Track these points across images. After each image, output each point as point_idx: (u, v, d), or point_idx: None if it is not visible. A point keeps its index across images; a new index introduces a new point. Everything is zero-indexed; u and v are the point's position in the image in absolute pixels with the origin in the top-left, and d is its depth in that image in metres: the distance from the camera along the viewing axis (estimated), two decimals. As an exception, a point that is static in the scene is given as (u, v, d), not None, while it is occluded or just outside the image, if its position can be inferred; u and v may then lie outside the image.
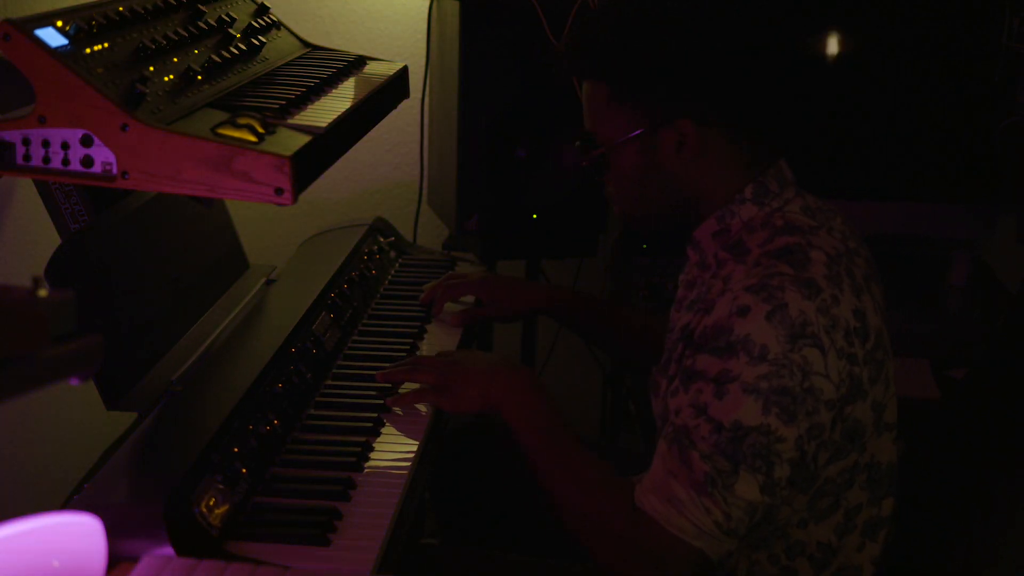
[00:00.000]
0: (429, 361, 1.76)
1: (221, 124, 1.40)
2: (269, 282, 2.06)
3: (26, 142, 1.37)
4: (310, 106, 1.63)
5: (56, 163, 1.37)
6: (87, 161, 1.36)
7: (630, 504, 1.46)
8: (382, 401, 1.72)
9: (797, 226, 1.50)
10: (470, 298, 2.08)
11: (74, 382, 0.88)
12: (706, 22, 1.53)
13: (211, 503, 1.37)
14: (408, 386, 1.75)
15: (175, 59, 1.55)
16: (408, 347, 1.93)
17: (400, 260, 2.34)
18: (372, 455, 1.59)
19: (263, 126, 1.40)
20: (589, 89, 1.59)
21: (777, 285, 1.41)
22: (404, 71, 2.00)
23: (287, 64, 1.83)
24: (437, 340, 1.98)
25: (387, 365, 1.84)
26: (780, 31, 1.61)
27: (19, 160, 1.38)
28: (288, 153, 1.36)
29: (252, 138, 1.38)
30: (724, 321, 1.42)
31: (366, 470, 1.55)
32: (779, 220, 1.52)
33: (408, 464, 1.58)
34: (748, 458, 1.39)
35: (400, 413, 1.71)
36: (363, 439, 1.61)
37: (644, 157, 1.55)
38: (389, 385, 1.74)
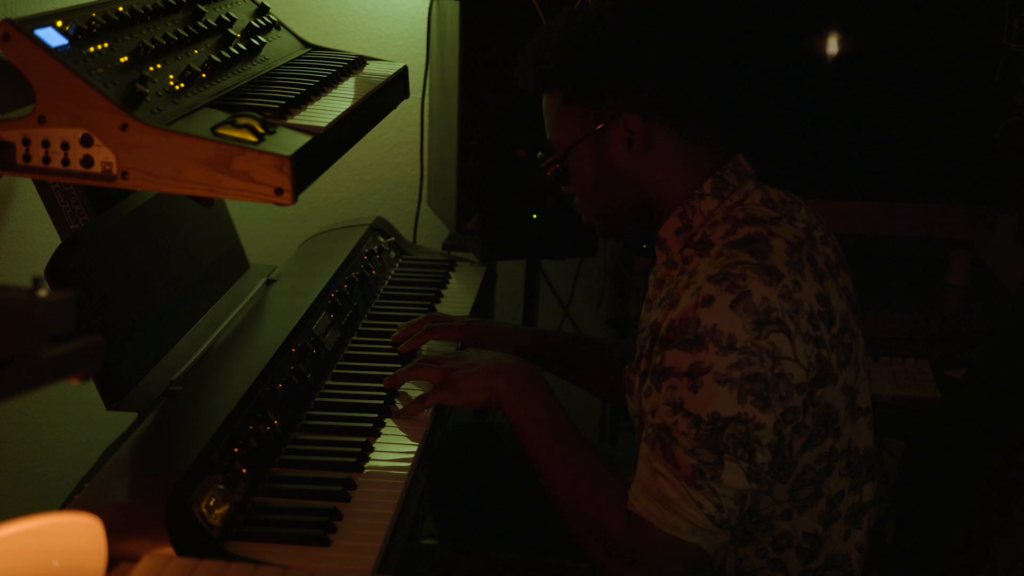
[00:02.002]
0: (433, 359, 1.76)
1: (221, 124, 1.40)
2: (269, 282, 2.06)
3: (26, 142, 1.37)
4: (310, 106, 1.63)
5: (56, 163, 1.37)
6: (87, 161, 1.36)
7: (625, 508, 1.47)
8: (382, 401, 1.72)
9: (758, 217, 1.52)
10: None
11: (74, 382, 0.88)
12: (643, 17, 1.57)
13: (211, 503, 1.37)
14: (411, 389, 1.74)
15: (175, 59, 1.55)
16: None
17: (400, 260, 2.34)
18: (372, 455, 1.59)
19: (263, 126, 1.40)
20: (546, 101, 1.65)
21: (739, 273, 1.43)
22: (404, 71, 2.00)
23: (287, 64, 1.83)
24: (437, 341, 1.98)
25: (387, 365, 1.84)
26: (720, 23, 1.64)
27: (19, 160, 1.38)
28: (288, 153, 1.36)
29: (252, 138, 1.38)
30: (690, 313, 1.43)
31: (366, 470, 1.55)
32: (740, 212, 1.54)
33: (408, 464, 1.58)
34: (730, 448, 1.41)
35: (393, 409, 1.71)
36: (363, 439, 1.61)
37: (597, 157, 1.59)
38: (395, 389, 1.75)
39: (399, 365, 1.84)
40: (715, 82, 1.58)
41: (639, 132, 1.56)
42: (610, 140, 1.58)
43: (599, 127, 1.58)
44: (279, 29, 1.93)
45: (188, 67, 1.54)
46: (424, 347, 1.93)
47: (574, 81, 1.59)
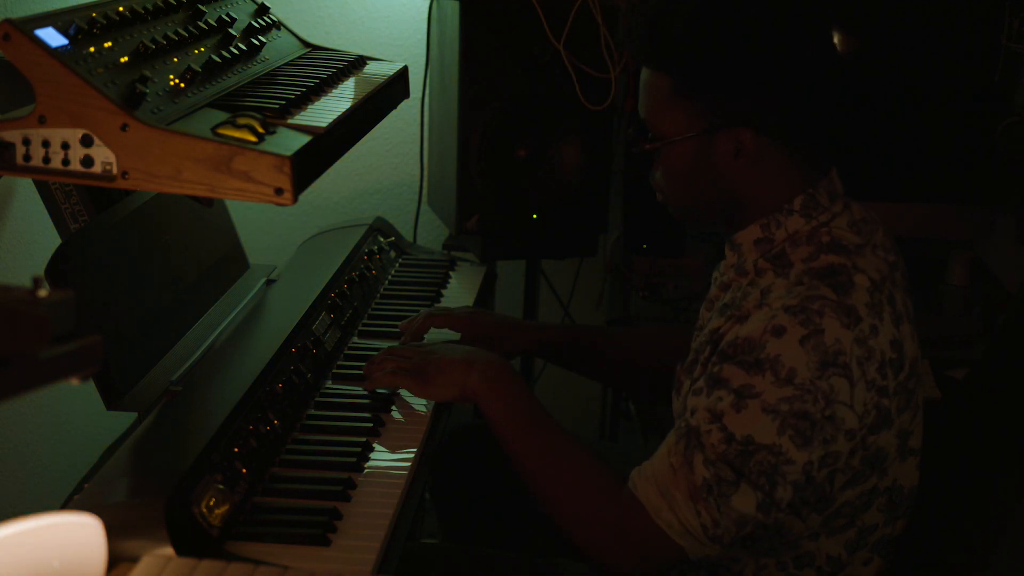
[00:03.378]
0: (404, 351, 1.75)
1: (221, 124, 1.40)
2: (269, 282, 2.06)
3: (26, 142, 1.37)
4: (310, 106, 1.63)
5: (56, 163, 1.37)
6: (87, 161, 1.36)
7: (618, 486, 1.46)
8: (382, 401, 1.72)
9: (843, 245, 1.48)
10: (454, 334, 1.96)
11: (74, 382, 0.88)
12: (785, 33, 1.47)
13: (211, 503, 1.37)
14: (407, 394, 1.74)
15: (175, 59, 1.55)
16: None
17: (400, 260, 2.34)
18: (372, 455, 1.59)
19: (263, 126, 1.40)
20: (651, 78, 1.53)
21: (817, 309, 1.39)
22: (404, 71, 2.00)
23: (287, 64, 1.83)
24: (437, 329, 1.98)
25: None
26: (834, 45, 1.57)
27: (19, 160, 1.38)
28: (288, 153, 1.36)
29: (252, 138, 1.37)
30: (757, 337, 1.40)
31: (366, 470, 1.55)
32: (825, 236, 1.49)
33: (408, 464, 1.58)
34: (753, 474, 1.39)
35: (393, 410, 1.71)
36: (363, 439, 1.61)
37: (698, 157, 1.51)
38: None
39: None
40: (832, 102, 1.54)
41: (749, 146, 1.48)
42: (717, 146, 1.50)
43: (708, 130, 1.49)
44: (279, 29, 1.93)
45: (188, 67, 1.54)
46: (425, 336, 1.93)
47: (698, 77, 1.49)
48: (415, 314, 1.97)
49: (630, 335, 2.05)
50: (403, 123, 2.70)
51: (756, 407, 1.38)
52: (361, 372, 1.81)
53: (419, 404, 1.74)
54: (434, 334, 1.94)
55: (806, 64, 1.48)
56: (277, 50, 1.86)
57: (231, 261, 2.04)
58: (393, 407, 1.73)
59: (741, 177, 1.51)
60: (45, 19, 1.38)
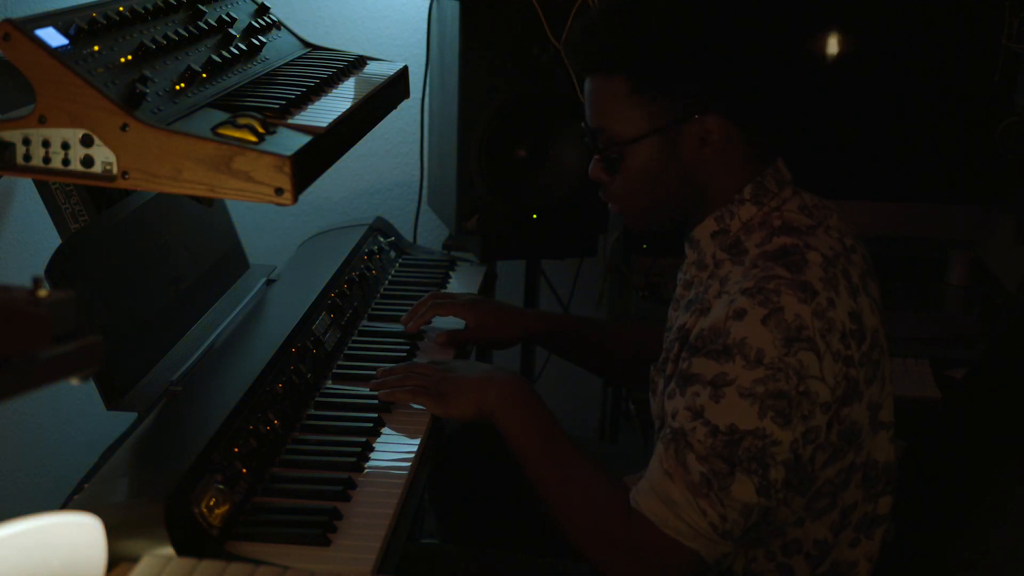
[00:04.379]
0: (422, 368, 1.76)
1: (221, 124, 1.40)
2: (269, 282, 2.06)
3: (26, 142, 1.37)
4: (310, 106, 1.63)
5: (56, 163, 1.37)
6: (87, 161, 1.36)
7: (626, 506, 1.46)
8: (381, 400, 1.72)
9: (794, 227, 1.50)
10: (459, 321, 2.01)
11: (74, 382, 0.88)
12: (738, 13, 1.50)
13: (211, 503, 1.37)
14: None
15: (175, 59, 1.55)
16: (408, 348, 1.93)
17: (400, 260, 2.34)
18: (372, 455, 1.59)
19: (263, 126, 1.40)
20: (602, 84, 1.53)
21: (773, 289, 1.41)
22: (404, 71, 2.00)
23: (287, 64, 1.83)
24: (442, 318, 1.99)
25: (387, 365, 1.84)
26: (792, 28, 1.60)
27: (19, 160, 1.38)
28: (288, 153, 1.36)
29: (252, 138, 1.38)
30: (720, 324, 1.42)
31: (366, 470, 1.55)
32: (776, 220, 1.52)
33: (408, 464, 1.58)
34: (744, 461, 1.39)
35: (393, 410, 1.71)
36: (363, 439, 1.61)
37: (664, 152, 1.52)
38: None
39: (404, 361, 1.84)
40: (786, 86, 1.55)
41: (717, 133, 1.50)
42: (683, 138, 1.51)
43: (673, 124, 1.50)
44: (279, 29, 1.93)
45: (188, 67, 1.54)
46: (423, 348, 1.93)
47: (658, 72, 1.50)
48: (421, 300, 1.99)
49: (631, 327, 2.06)
50: (403, 123, 2.70)
51: (733, 394, 1.40)
52: (361, 372, 1.81)
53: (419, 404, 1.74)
54: (438, 321, 1.97)
55: (763, 49, 1.51)
56: (277, 50, 1.86)
57: (231, 261, 2.04)
58: (393, 407, 1.73)
59: (706, 167, 1.53)
60: (45, 19, 1.38)
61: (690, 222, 1.59)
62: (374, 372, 1.81)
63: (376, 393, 1.73)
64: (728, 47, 1.50)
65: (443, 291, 2.08)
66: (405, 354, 1.90)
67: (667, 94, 1.50)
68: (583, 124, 1.59)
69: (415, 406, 1.72)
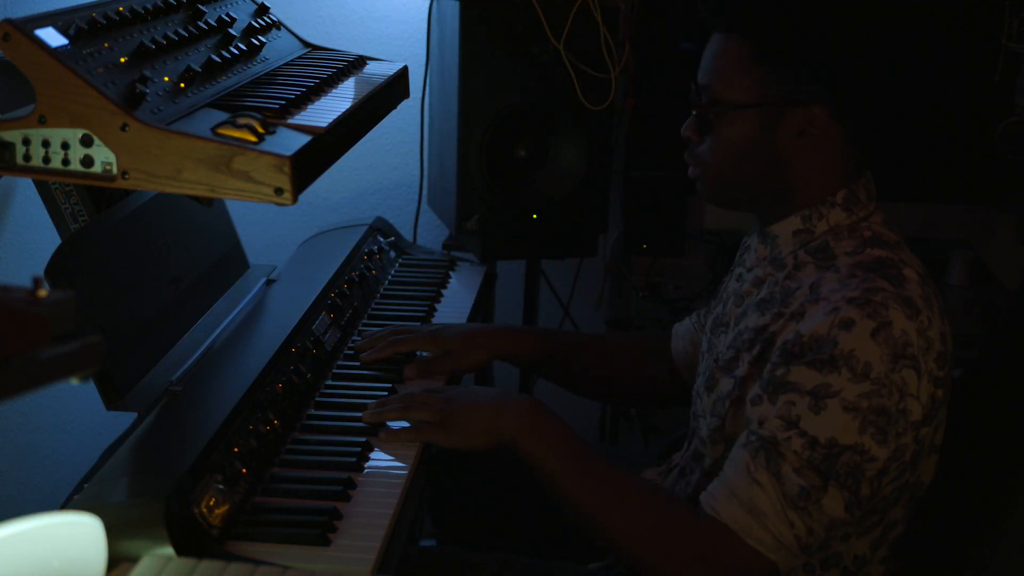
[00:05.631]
0: (423, 398, 1.66)
1: (221, 124, 1.40)
2: (269, 282, 2.06)
3: (26, 142, 1.37)
4: (310, 106, 1.63)
5: (56, 163, 1.37)
6: (87, 161, 1.36)
7: (693, 513, 1.42)
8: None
9: (885, 240, 1.48)
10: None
11: (74, 382, 0.88)
12: (874, 17, 1.47)
13: (211, 503, 1.37)
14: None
15: (175, 59, 1.55)
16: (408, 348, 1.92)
17: (400, 260, 2.34)
18: (372, 455, 1.59)
19: (263, 126, 1.40)
20: (726, 43, 1.49)
21: (880, 301, 1.38)
22: (404, 71, 2.00)
23: (287, 64, 1.83)
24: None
25: (388, 365, 1.84)
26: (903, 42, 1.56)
27: (19, 160, 1.38)
28: (288, 153, 1.36)
29: (252, 138, 1.38)
30: (824, 333, 1.38)
31: (366, 470, 1.55)
32: (867, 231, 1.49)
33: (408, 464, 1.58)
34: (841, 475, 1.36)
35: (392, 451, 1.61)
36: (363, 439, 1.61)
37: (761, 128, 1.48)
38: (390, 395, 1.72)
39: (399, 365, 1.84)
40: (891, 92, 1.52)
41: (820, 127, 1.46)
42: (784, 120, 1.47)
43: (780, 103, 1.45)
44: (279, 29, 1.93)
45: (188, 67, 1.54)
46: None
47: (785, 47, 1.45)
48: (412, 319, 1.96)
49: (604, 343, 2.00)
50: (403, 123, 2.70)
51: (836, 406, 1.36)
52: (361, 372, 1.81)
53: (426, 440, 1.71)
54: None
55: (890, 50, 1.48)
56: (277, 50, 1.86)
57: (231, 261, 2.04)
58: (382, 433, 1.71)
59: (798, 159, 1.49)
60: (45, 19, 1.38)
61: (766, 216, 1.54)
62: (374, 372, 1.81)
63: (376, 392, 1.72)
64: (860, 45, 1.46)
65: (399, 327, 1.92)
66: (405, 355, 1.89)
67: (784, 72, 1.46)
68: (692, 80, 1.54)
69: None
